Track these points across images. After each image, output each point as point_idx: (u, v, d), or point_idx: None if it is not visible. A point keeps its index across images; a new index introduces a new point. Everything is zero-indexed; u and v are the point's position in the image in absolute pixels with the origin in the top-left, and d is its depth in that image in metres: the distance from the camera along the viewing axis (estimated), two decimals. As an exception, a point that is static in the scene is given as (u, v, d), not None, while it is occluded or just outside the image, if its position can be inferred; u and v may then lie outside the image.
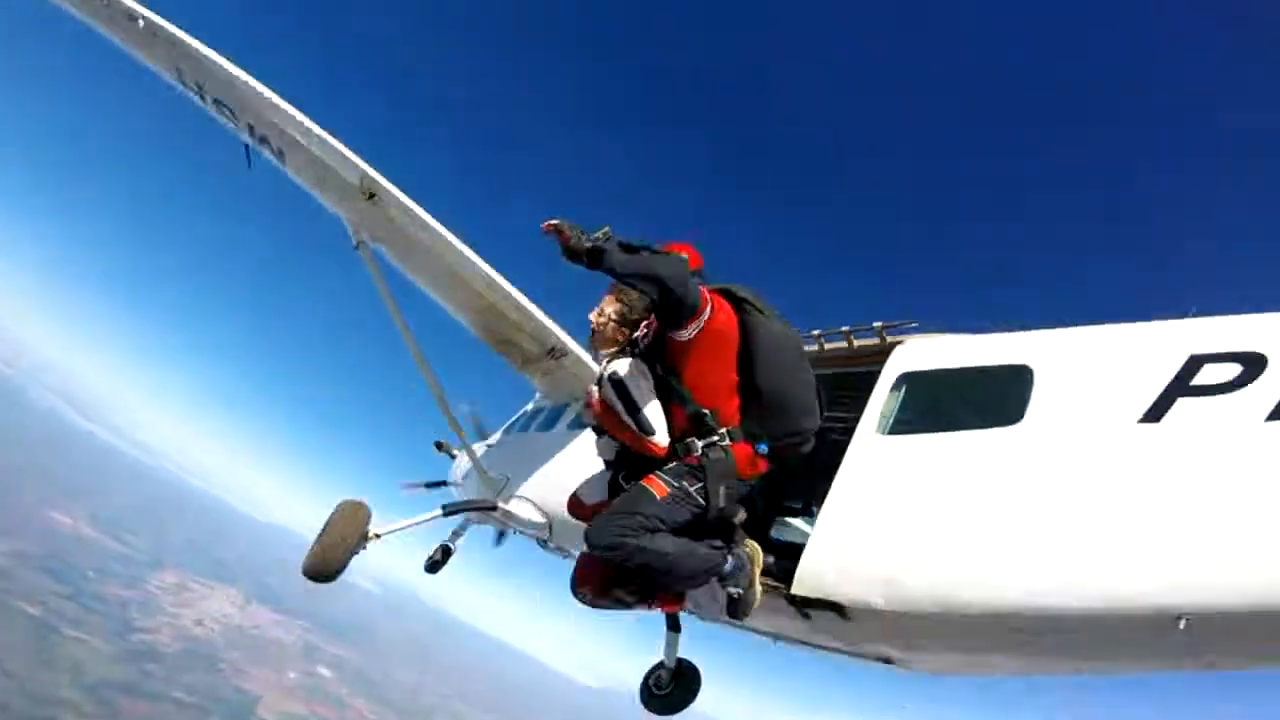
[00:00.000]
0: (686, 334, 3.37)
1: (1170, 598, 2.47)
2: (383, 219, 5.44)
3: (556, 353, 6.53)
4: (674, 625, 5.44)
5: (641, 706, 5.60)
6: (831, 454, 3.57)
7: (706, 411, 3.40)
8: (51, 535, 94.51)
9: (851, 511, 3.31)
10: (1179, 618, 2.43)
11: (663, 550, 3.28)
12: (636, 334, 3.69)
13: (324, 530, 5.38)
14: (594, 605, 3.74)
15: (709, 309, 3.36)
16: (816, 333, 4.32)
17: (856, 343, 3.90)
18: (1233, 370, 2.61)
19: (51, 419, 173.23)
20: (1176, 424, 2.62)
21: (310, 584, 5.51)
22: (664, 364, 3.51)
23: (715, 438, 3.40)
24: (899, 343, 3.58)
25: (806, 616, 3.43)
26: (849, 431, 3.58)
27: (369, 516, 5.56)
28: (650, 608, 3.79)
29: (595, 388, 3.72)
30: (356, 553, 5.45)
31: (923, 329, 3.57)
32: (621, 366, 3.56)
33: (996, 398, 3.09)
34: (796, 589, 3.32)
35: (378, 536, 5.69)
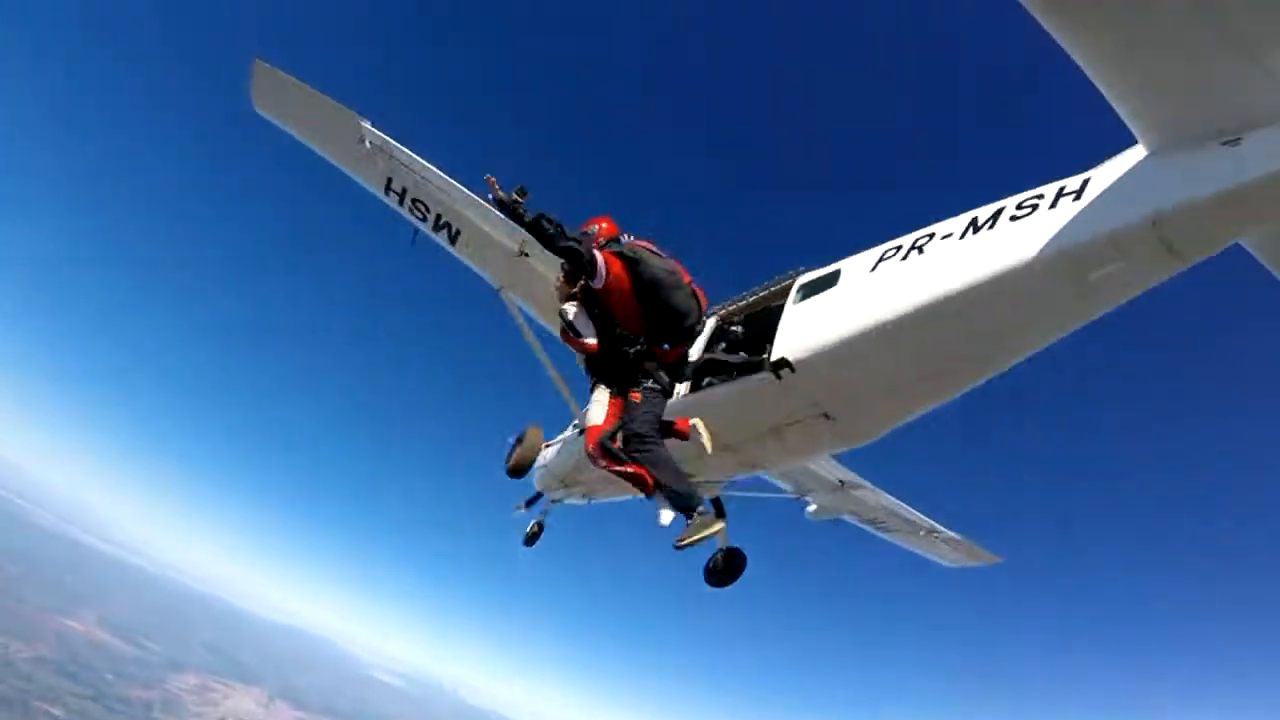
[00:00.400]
0: (598, 283, 5.38)
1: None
2: (526, 270, 7.17)
3: None
4: (720, 514, 6.66)
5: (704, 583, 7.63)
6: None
7: (627, 332, 5.51)
8: (66, 640, 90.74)
9: (789, 324, 5.81)
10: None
11: (658, 456, 5.11)
12: (576, 287, 5.67)
13: (521, 439, 7.55)
14: (601, 463, 5.31)
15: (603, 266, 5.34)
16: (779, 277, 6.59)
17: (785, 283, 6.34)
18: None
19: (56, 535, 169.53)
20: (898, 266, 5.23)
21: (510, 480, 7.65)
22: (597, 305, 5.54)
23: (638, 346, 5.51)
24: (801, 273, 6.24)
25: (779, 376, 5.60)
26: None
27: (543, 436, 7.90)
28: (635, 474, 5.11)
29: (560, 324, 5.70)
30: (534, 463, 7.80)
31: (809, 268, 6.27)
32: (570, 308, 5.59)
33: (832, 281, 5.72)
34: (773, 356, 5.65)
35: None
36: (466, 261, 7.39)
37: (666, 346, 5.57)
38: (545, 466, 8.84)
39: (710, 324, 6.64)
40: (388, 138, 6.70)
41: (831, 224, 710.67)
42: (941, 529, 10.06)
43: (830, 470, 9.01)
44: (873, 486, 9.34)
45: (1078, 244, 4.23)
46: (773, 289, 6.43)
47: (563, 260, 5.59)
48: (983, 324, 4.81)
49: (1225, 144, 3.69)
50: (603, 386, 5.79)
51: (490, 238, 7.03)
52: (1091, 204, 4.27)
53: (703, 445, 5.33)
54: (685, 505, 4.92)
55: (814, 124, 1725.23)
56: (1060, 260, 4.31)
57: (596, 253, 5.40)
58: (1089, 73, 3.74)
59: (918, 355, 5.17)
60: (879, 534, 10.42)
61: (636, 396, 5.37)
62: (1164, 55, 3.53)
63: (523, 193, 5.45)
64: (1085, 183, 4.40)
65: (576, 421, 7.92)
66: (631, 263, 5.41)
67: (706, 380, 6.43)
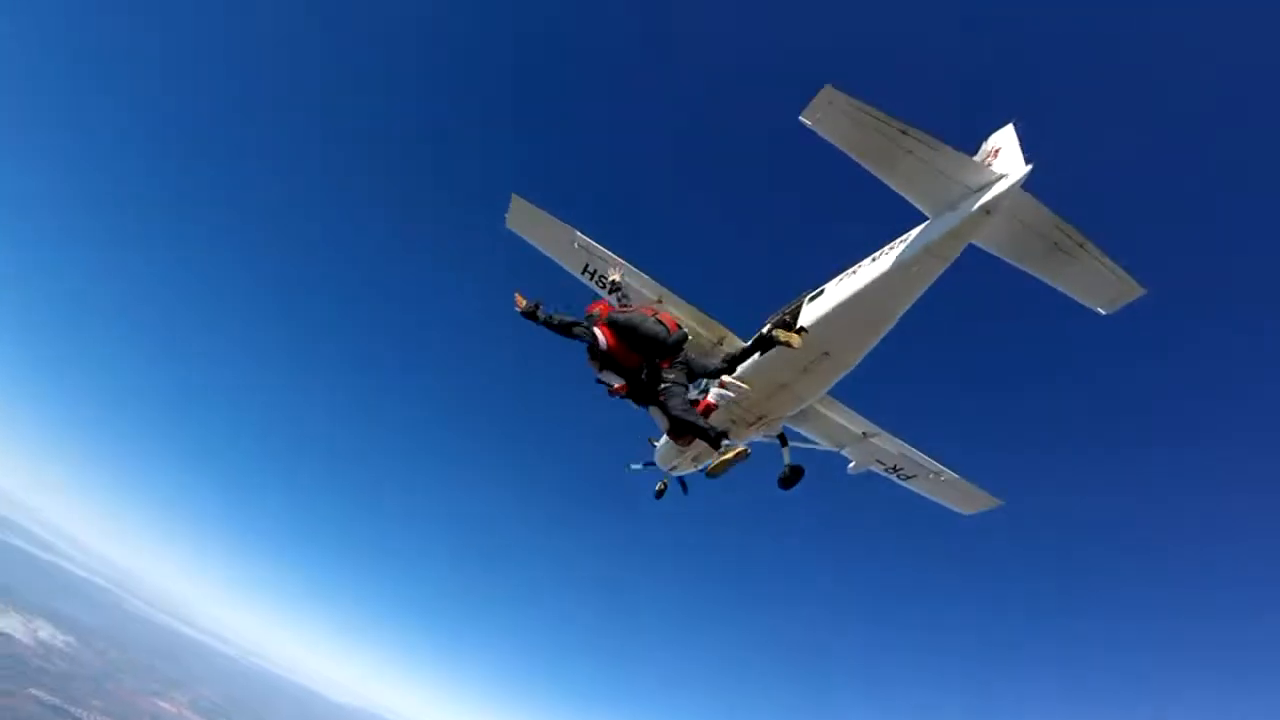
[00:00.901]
0: (603, 348, 7.97)
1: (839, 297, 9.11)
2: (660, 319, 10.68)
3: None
4: (783, 441, 11.72)
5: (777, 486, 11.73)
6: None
7: (632, 367, 8.13)
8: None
9: (805, 311, 9.49)
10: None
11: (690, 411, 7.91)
12: (597, 356, 8.27)
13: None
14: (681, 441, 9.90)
15: (602, 337, 7.95)
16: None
17: (805, 294, 10.01)
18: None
19: (148, 621, 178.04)
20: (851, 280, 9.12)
21: None
22: (612, 360, 8.09)
23: (645, 370, 8.16)
24: (811, 290, 9.84)
25: (803, 333, 8.34)
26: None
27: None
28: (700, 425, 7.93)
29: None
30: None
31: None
32: (596, 370, 8.29)
33: (822, 291, 9.43)
34: (800, 324, 9.10)
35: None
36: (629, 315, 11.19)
37: (659, 360, 8.18)
38: (659, 455, 13.16)
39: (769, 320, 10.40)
40: (590, 240, 10.63)
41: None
42: (948, 471, 12.00)
43: (855, 423, 11.71)
44: (889, 434, 11.78)
45: (903, 258, 8.44)
46: (800, 299, 10.03)
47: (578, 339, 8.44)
48: (876, 301, 8.90)
49: (948, 211, 7.98)
50: (649, 407, 8.51)
51: (642, 293, 10.68)
52: (909, 242, 8.54)
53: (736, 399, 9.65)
54: (716, 439, 7.39)
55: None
56: (898, 266, 8.51)
57: (596, 329, 8.01)
58: (895, 188, 8.16)
59: (855, 317, 9.14)
60: (901, 483, 12.52)
61: (663, 397, 7.95)
62: (916, 179, 7.86)
63: (537, 305, 8.28)
64: (911, 235, 8.66)
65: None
66: (610, 324, 8.04)
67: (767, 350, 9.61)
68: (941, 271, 8.40)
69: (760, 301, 11.92)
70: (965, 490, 12.38)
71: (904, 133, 7.36)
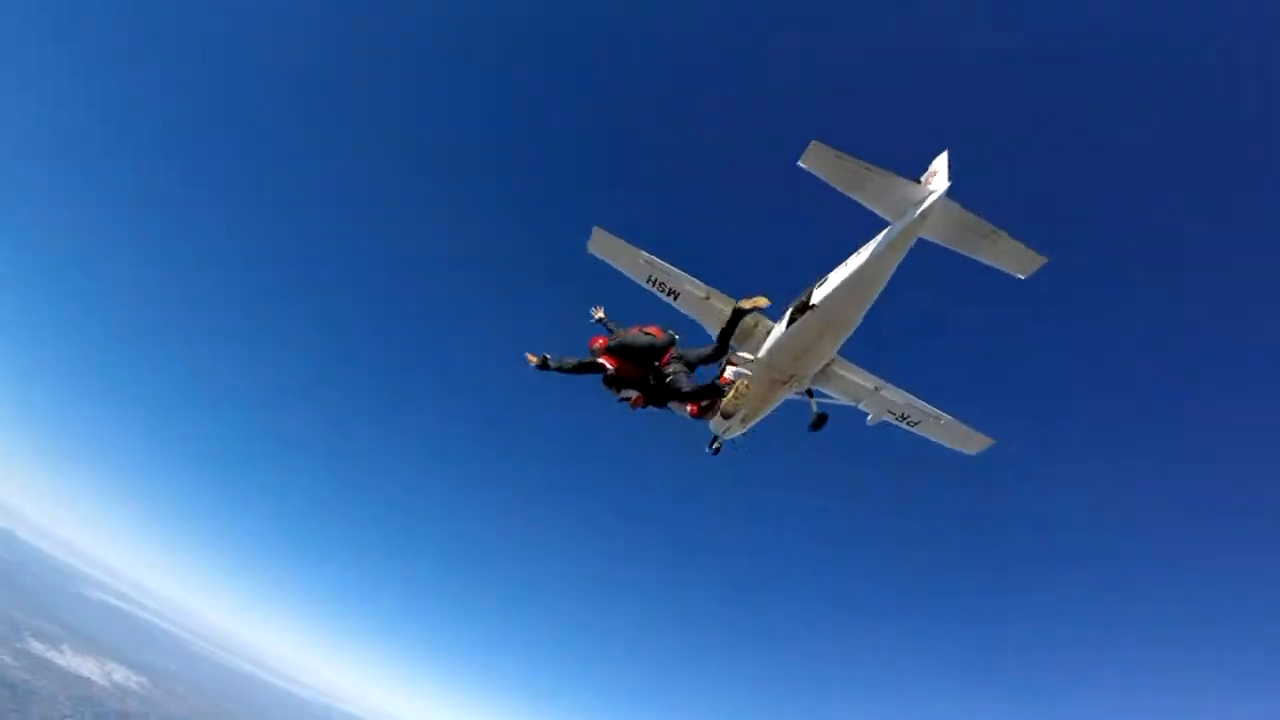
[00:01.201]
0: (611, 371, 9.92)
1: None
2: (710, 307, 13.73)
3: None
4: (810, 394, 14.26)
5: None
6: None
7: (638, 377, 10.15)
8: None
9: (815, 293, 12.28)
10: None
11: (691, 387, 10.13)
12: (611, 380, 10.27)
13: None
14: (711, 413, 11.80)
15: (606, 363, 9.88)
16: None
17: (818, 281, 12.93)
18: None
19: (216, 665, 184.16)
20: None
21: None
22: (624, 379, 10.04)
23: (651, 375, 10.23)
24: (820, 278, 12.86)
25: (813, 309, 11.93)
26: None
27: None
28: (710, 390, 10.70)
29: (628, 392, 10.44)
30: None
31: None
32: (614, 391, 10.33)
33: (808, 306, 12.25)
34: (812, 301, 12.27)
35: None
36: (683, 310, 14.30)
37: (657, 362, 10.30)
38: (716, 429, 15.90)
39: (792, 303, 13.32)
40: (653, 256, 13.74)
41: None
42: (947, 415, 14.64)
43: (866, 379, 14.48)
44: (894, 386, 14.58)
45: (875, 251, 11.36)
46: (811, 286, 12.68)
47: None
48: (860, 282, 11.68)
49: (901, 218, 10.97)
50: (669, 406, 10.88)
51: (691, 294, 13.88)
52: (878, 241, 11.37)
53: (747, 379, 12.60)
54: (718, 390, 10.65)
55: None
56: (873, 257, 11.41)
57: (601, 359, 10.11)
58: (866, 205, 11.03)
59: (847, 295, 11.86)
60: (910, 429, 15.16)
61: (672, 386, 10.26)
62: (879, 199, 10.89)
63: (545, 358, 10.41)
64: (879, 236, 11.56)
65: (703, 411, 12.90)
66: (609, 350, 10.15)
67: (791, 324, 13.00)
68: (901, 259, 11.67)
69: (784, 290, 15.24)
70: (964, 432, 14.87)
71: (868, 169, 10.92)
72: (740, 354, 13.44)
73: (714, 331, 13.86)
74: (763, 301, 10.02)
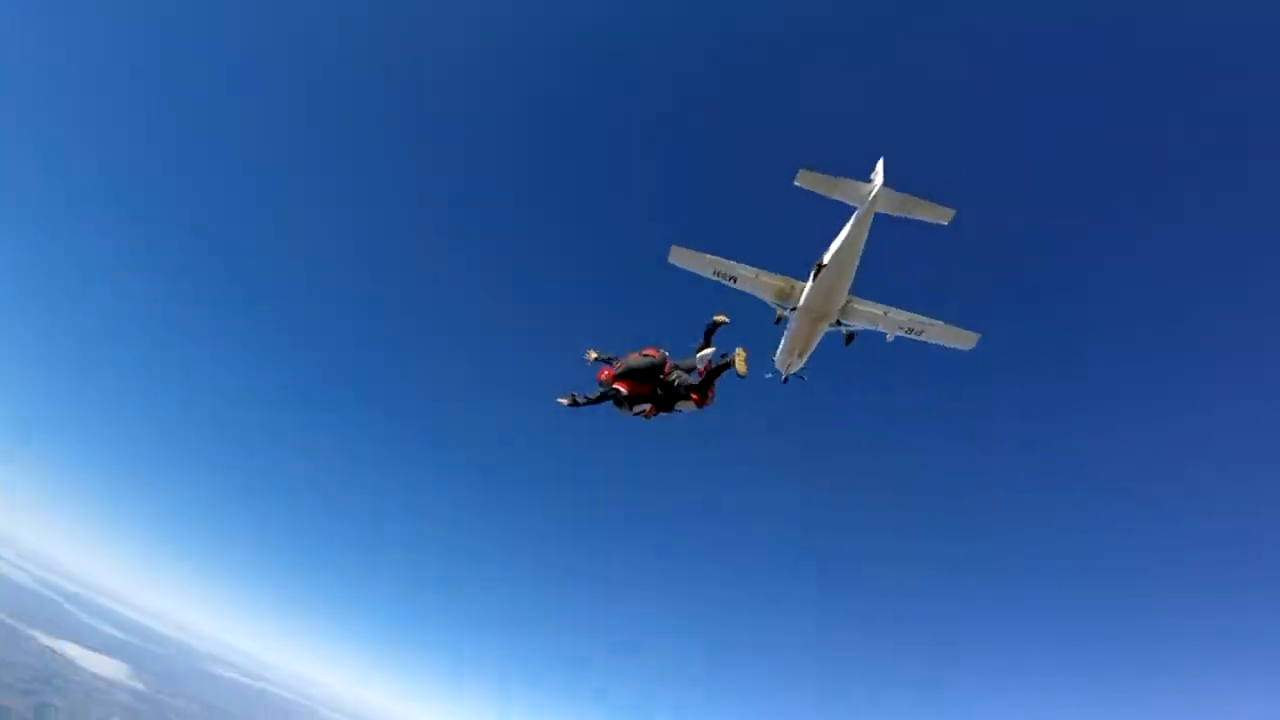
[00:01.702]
0: (625, 392, 12.20)
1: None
2: (762, 283, 22.21)
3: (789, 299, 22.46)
4: (839, 323, 22.18)
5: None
6: None
7: (646, 393, 12.34)
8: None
9: (826, 257, 20.69)
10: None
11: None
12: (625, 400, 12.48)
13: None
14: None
15: (620, 388, 12.08)
16: None
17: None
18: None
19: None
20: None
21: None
22: (635, 396, 12.26)
23: (659, 387, 12.56)
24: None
25: (823, 268, 20.51)
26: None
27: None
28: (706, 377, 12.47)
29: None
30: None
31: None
32: (630, 408, 12.67)
33: (822, 266, 20.90)
34: (824, 262, 20.80)
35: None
36: (742, 289, 21.74)
37: (660, 375, 12.06)
38: (780, 363, 23.35)
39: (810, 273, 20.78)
40: (716, 257, 21.34)
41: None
42: (939, 321, 21.55)
43: (875, 307, 21.51)
44: (896, 308, 21.47)
45: (852, 225, 19.58)
46: (821, 257, 20.36)
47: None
48: (847, 247, 19.69)
49: (861, 203, 19.26)
50: (676, 408, 12.47)
51: (745, 276, 21.38)
52: (852, 219, 19.64)
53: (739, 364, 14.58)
54: (724, 364, 12.09)
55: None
56: (852, 229, 19.61)
57: (615, 385, 11.88)
58: (841, 199, 19.67)
59: (844, 254, 19.66)
60: (916, 339, 21.89)
61: (680, 386, 12.06)
62: (849, 194, 19.27)
63: (573, 397, 12.20)
64: (853, 216, 19.86)
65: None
66: (619, 377, 11.92)
67: (814, 280, 20.14)
68: (868, 227, 18.92)
69: (802, 262, 22.14)
70: (956, 333, 21.54)
71: (836, 181, 18.66)
72: (787, 309, 21.49)
73: (768, 299, 21.62)
74: (723, 318, 12.35)
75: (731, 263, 21.29)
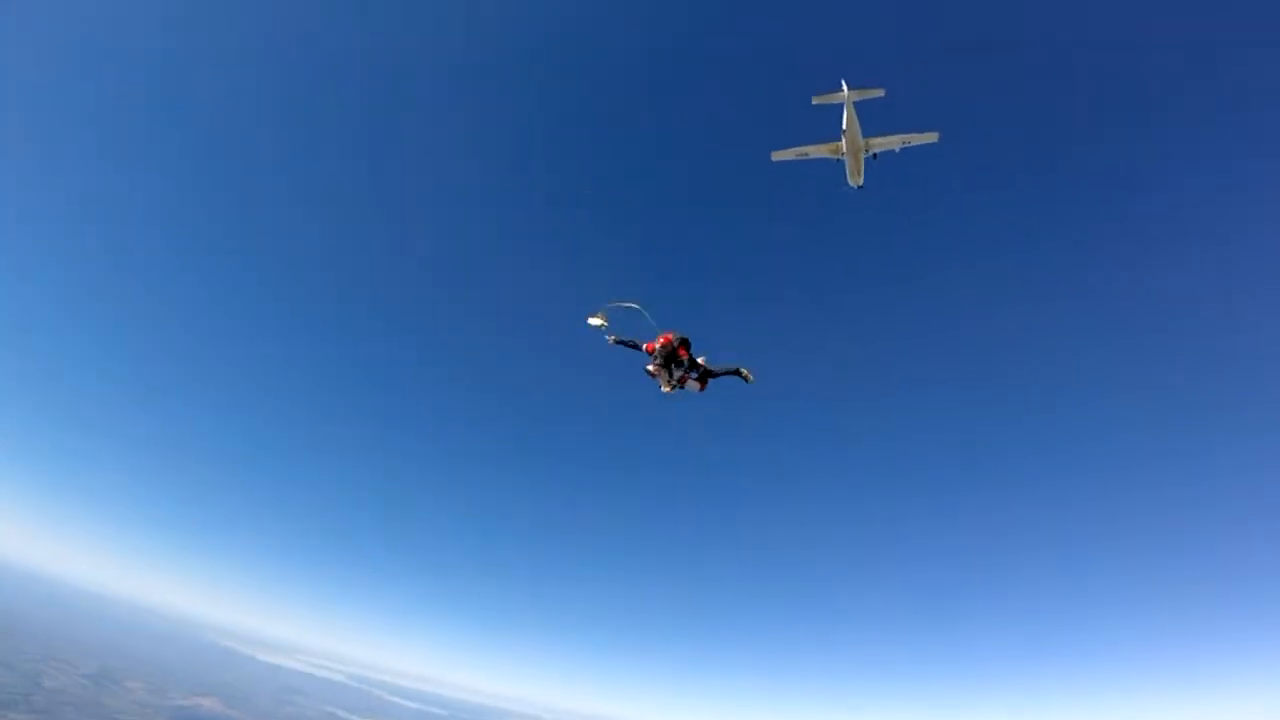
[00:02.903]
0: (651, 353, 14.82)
1: None
2: (822, 151, 40.45)
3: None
4: (868, 149, 40.36)
5: None
6: None
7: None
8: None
9: (845, 125, 39.03)
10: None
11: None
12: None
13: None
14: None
15: (656, 347, 14.68)
16: None
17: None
18: None
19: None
20: None
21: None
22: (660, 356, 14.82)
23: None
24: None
25: (845, 131, 38.25)
26: None
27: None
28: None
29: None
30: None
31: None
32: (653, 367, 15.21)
33: (843, 131, 39.45)
34: (844, 128, 38.60)
35: None
36: (813, 157, 39.97)
37: (678, 350, 14.38)
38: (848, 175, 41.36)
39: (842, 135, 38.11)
40: (798, 148, 39.95)
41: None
42: (911, 134, 38.43)
43: (883, 138, 38.45)
44: (890, 135, 38.52)
45: (848, 113, 37.59)
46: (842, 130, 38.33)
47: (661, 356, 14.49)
48: (849, 121, 37.55)
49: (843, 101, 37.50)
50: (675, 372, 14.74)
51: (811, 151, 39.97)
52: (846, 113, 37.51)
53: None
54: (708, 374, 14.64)
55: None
56: (848, 114, 37.58)
57: (648, 351, 14.46)
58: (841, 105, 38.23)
59: (849, 124, 37.40)
60: (908, 146, 39.74)
61: (694, 371, 14.59)
62: (832, 102, 37.35)
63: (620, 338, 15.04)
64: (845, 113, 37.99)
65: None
66: (659, 348, 14.25)
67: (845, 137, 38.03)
68: (854, 108, 36.22)
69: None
70: (924, 135, 38.98)
71: (831, 95, 37.73)
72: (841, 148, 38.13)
73: (828, 155, 39.50)
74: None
75: (803, 146, 39.63)
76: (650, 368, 14.61)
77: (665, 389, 14.80)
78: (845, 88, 36.61)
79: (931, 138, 39.11)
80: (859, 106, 37.05)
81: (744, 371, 14.71)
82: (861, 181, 40.42)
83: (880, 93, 36.71)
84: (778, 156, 40.11)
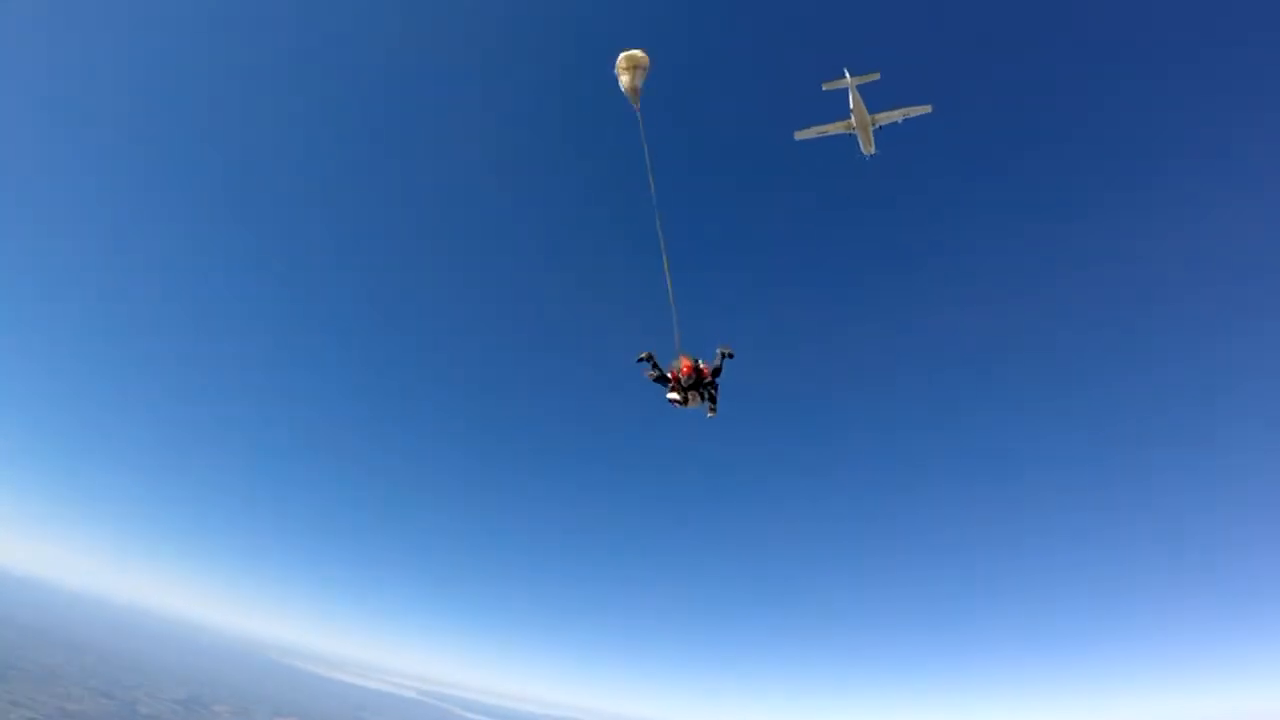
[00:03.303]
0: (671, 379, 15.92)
1: None
2: (836, 129, 43.45)
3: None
4: (875, 122, 44.25)
5: None
6: None
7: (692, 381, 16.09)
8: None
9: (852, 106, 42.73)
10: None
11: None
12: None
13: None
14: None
15: (671, 378, 15.72)
16: None
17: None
18: None
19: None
20: None
21: None
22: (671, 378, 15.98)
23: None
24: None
25: (854, 110, 41.81)
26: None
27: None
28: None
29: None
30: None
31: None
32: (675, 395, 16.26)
33: (852, 111, 43.12)
34: (851, 108, 41.95)
35: None
36: (829, 133, 42.87)
37: (692, 375, 15.17)
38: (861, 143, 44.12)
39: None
40: (815, 126, 43.09)
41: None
42: (909, 106, 42.91)
43: (886, 113, 42.04)
44: (891, 110, 42.62)
45: (853, 96, 41.15)
46: (851, 110, 41.59)
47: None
48: (855, 102, 41.03)
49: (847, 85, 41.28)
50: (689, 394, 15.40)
51: (827, 129, 43.03)
52: (852, 97, 41.23)
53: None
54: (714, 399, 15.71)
55: None
56: (852, 96, 41.07)
57: (670, 377, 15.20)
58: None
59: (855, 104, 40.91)
60: (909, 117, 42.85)
61: (710, 392, 15.43)
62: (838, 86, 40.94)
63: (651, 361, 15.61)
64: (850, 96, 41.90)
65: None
66: (681, 373, 15.10)
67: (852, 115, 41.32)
68: (858, 91, 40.09)
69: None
70: (918, 109, 42.21)
71: (837, 81, 40.37)
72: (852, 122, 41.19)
73: (842, 130, 42.20)
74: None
75: (821, 125, 42.64)
76: (673, 396, 15.12)
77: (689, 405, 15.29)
78: (848, 74, 40.20)
79: (925, 109, 42.13)
80: (861, 89, 40.35)
81: (727, 350, 15.46)
82: (874, 150, 43.47)
83: (876, 76, 40.15)
84: (800, 135, 43.19)
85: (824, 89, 40.54)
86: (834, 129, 42.56)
